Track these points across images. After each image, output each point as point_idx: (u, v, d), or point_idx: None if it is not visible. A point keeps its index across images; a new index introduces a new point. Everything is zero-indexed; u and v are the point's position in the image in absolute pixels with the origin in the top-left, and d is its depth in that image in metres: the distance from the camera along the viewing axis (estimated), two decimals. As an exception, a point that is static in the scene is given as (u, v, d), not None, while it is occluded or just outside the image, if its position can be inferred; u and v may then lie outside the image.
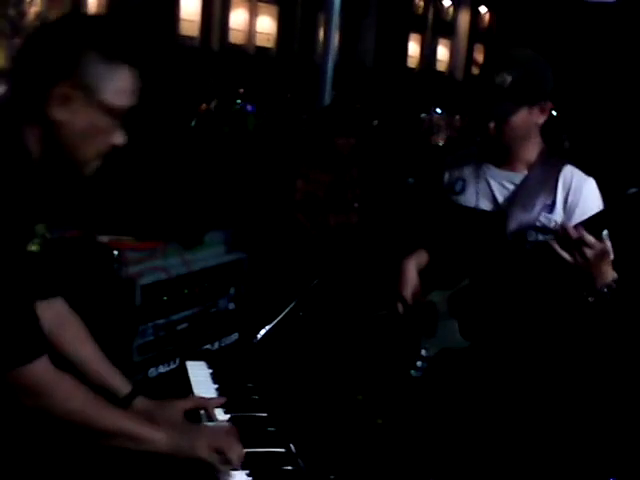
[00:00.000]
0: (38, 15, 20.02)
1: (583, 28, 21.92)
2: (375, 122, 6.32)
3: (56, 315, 1.89)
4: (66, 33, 1.62)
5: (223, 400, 2.00)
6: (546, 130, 2.44)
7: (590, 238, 2.07)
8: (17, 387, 1.56)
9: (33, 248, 1.70)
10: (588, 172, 2.38)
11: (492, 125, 2.29)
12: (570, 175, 2.34)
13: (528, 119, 2.30)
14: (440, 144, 9.88)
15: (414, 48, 31.41)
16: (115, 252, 3.23)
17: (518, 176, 2.38)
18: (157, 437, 1.68)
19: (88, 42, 1.60)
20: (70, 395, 1.62)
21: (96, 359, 1.92)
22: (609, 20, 21.10)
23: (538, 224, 2.31)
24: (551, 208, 2.32)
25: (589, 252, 2.08)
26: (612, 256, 2.22)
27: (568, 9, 22.40)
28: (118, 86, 1.62)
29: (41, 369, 1.58)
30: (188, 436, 1.72)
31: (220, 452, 1.69)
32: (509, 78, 2.23)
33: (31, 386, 1.56)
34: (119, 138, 1.69)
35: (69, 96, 1.58)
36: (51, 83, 1.57)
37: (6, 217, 1.52)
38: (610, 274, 2.16)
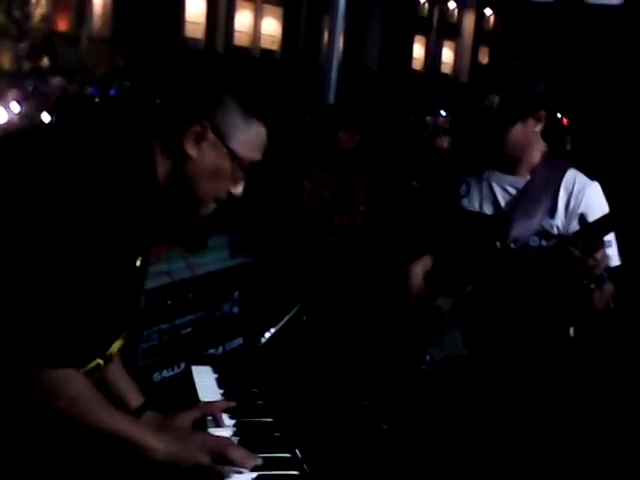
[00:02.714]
0: (43, 17, 20.07)
1: (587, 31, 21.90)
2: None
3: None
4: (215, 79, 1.77)
5: (230, 404, 1.99)
6: (548, 132, 2.44)
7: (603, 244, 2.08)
8: (30, 383, 1.56)
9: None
10: (591, 173, 2.37)
11: (489, 147, 2.30)
12: (573, 179, 2.33)
13: (524, 132, 2.29)
14: (444, 145, 9.85)
15: (419, 50, 31.44)
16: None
17: (521, 181, 2.37)
18: (158, 446, 1.67)
19: (232, 92, 1.73)
20: (79, 395, 1.62)
21: (114, 367, 1.92)
22: (614, 23, 21.08)
23: (540, 229, 2.31)
24: (552, 213, 2.31)
25: (599, 255, 2.09)
26: (616, 262, 2.22)
27: (573, 12, 22.38)
28: (248, 139, 1.73)
29: (60, 372, 1.58)
30: (188, 446, 1.71)
31: (223, 456, 1.69)
32: (496, 99, 2.21)
33: (45, 385, 1.56)
34: (238, 189, 1.78)
35: (203, 136, 1.69)
36: (191, 120, 1.68)
37: (125, 230, 1.60)
38: (605, 260, 2.16)
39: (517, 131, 2.26)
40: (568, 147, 11.53)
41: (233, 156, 1.72)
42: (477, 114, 2.25)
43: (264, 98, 1.80)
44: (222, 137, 1.71)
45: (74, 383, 1.63)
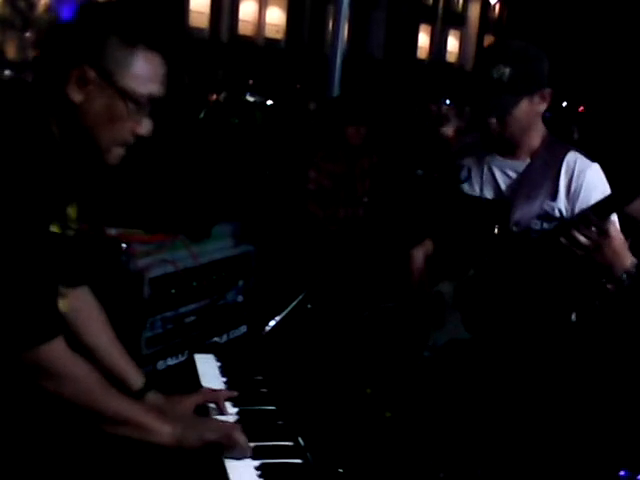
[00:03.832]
0: (48, 7, 20.06)
1: (594, 19, 21.82)
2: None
3: (79, 302, 1.90)
4: (92, 18, 1.63)
5: (234, 393, 1.99)
6: (555, 121, 2.43)
7: (607, 226, 2.06)
8: (32, 367, 1.56)
9: (68, 232, 1.72)
10: (598, 162, 2.35)
11: (494, 120, 2.27)
12: (573, 161, 2.32)
13: (530, 109, 2.28)
14: (449, 134, 9.81)
15: (424, 39, 31.37)
16: (123, 245, 3.23)
17: (521, 164, 2.37)
18: (163, 429, 1.68)
19: (112, 27, 1.61)
20: (83, 378, 1.62)
21: (113, 350, 1.94)
22: (621, 11, 20.99)
23: (542, 212, 2.30)
24: (554, 195, 2.30)
25: (600, 240, 2.07)
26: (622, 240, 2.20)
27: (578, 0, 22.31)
28: (136, 72, 1.61)
29: (58, 349, 1.59)
30: (194, 427, 1.71)
31: (227, 438, 1.69)
32: (507, 70, 2.20)
33: (47, 366, 1.56)
34: (142, 127, 1.67)
35: (87, 78, 1.58)
36: (72, 65, 1.58)
37: (33, 197, 1.52)
38: (629, 259, 2.13)
39: (523, 106, 2.26)
40: (575, 136, 11.49)
41: (123, 94, 1.61)
42: (485, 85, 2.23)
43: (152, 25, 1.67)
44: (106, 75, 1.59)
45: (77, 365, 1.63)
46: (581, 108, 14.29)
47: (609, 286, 2.12)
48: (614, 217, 2.22)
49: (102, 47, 1.59)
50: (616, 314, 2.19)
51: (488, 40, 32.18)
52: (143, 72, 1.63)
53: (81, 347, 1.87)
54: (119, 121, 1.63)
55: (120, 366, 1.93)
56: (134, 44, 1.61)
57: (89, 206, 3.22)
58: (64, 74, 1.58)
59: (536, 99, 2.29)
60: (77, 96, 1.59)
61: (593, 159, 2.36)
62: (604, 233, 2.08)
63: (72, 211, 1.75)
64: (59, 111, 1.62)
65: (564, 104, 13.89)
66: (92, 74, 1.58)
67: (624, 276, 2.10)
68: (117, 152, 1.69)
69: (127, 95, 1.61)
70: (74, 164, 1.69)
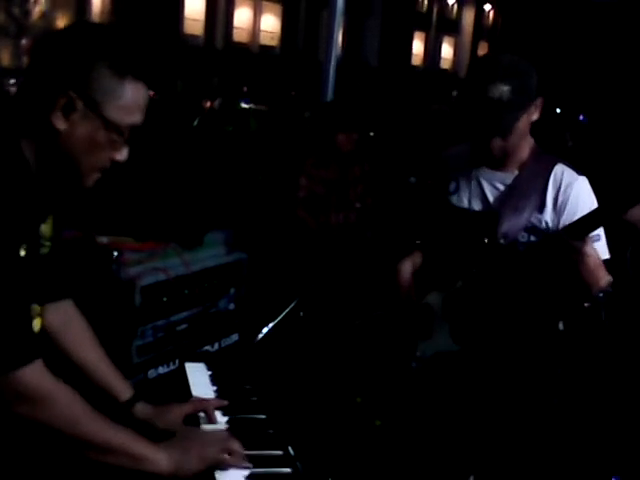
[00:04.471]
0: (43, 14, 20.07)
1: (587, 26, 21.89)
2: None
3: (63, 316, 1.89)
4: (80, 43, 1.62)
5: (224, 402, 1.98)
6: (549, 129, 2.43)
7: (581, 246, 2.07)
8: (10, 393, 1.53)
9: (42, 251, 1.70)
10: (592, 172, 2.35)
11: (498, 140, 2.25)
12: (560, 174, 2.31)
13: (527, 121, 2.28)
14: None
15: (418, 46, 31.45)
16: (115, 253, 3.22)
17: (509, 176, 2.36)
18: (158, 456, 1.65)
19: (101, 54, 1.60)
20: (65, 403, 1.59)
21: (100, 362, 1.92)
22: (613, 18, 21.06)
23: (529, 225, 2.29)
24: (541, 208, 2.30)
25: (574, 257, 2.08)
26: (605, 256, 2.21)
27: (572, 7, 22.37)
28: (123, 103, 1.61)
29: (36, 374, 1.55)
30: (189, 451, 1.68)
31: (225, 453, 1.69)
32: (506, 89, 2.17)
33: (25, 391, 1.53)
34: (121, 154, 1.67)
35: (72, 107, 1.57)
36: (58, 90, 1.57)
37: (1, 220, 1.50)
38: (605, 279, 2.14)
39: (523, 120, 2.25)
40: (570, 144, 11.50)
41: (108, 124, 1.60)
42: (485, 106, 2.20)
43: (140, 55, 1.66)
44: (93, 105, 1.58)
45: (59, 390, 1.60)
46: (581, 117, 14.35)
47: (586, 304, 2.13)
48: (601, 233, 2.23)
49: (90, 74, 1.58)
50: (600, 326, 2.19)
51: (482, 47, 32.31)
52: (130, 103, 1.62)
53: (67, 361, 1.87)
54: (100, 150, 1.63)
55: (108, 379, 1.91)
56: (123, 75, 1.60)
57: (80, 214, 3.23)
58: (49, 100, 1.57)
59: (532, 110, 2.29)
60: (61, 124, 1.58)
61: (586, 167, 2.36)
62: (576, 252, 2.09)
63: (46, 228, 1.73)
64: (39, 136, 1.61)
65: (558, 111, 13.92)
66: (78, 102, 1.57)
67: (600, 295, 2.12)
68: (95, 176, 1.69)
69: (112, 126, 1.61)
70: (48, 186, 1.68)
